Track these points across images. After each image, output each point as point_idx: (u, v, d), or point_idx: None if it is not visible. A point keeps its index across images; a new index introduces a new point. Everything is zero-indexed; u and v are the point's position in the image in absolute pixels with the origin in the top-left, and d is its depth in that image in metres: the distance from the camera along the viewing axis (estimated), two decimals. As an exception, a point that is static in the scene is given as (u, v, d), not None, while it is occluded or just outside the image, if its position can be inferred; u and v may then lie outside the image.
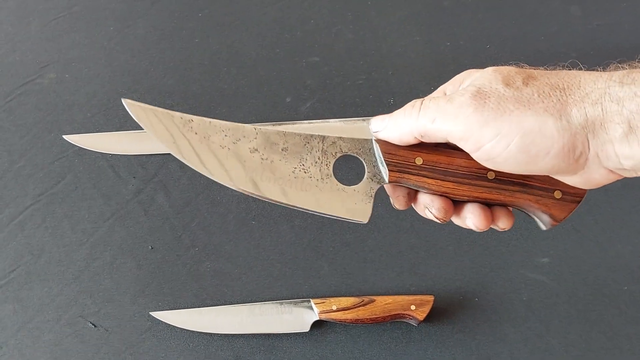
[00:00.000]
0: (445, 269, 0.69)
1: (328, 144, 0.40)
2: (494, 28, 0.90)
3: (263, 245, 0.71)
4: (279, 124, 0.79)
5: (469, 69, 0.39)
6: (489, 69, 0.36)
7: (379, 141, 0.39)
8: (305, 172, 0.40)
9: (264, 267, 0.70)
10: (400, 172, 0.39)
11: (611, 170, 0.35)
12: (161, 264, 0.70)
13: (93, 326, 0.67)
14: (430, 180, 0.39)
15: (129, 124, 0.80)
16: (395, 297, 0.65)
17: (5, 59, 0.87)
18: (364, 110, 0.81)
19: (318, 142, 0.40)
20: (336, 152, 0.40)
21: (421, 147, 0.39)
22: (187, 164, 0.39)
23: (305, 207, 0.40)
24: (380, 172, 0.40)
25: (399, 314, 0.64)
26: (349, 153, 0.40)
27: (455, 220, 0.41)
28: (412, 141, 0.38)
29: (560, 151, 0.34)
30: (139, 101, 0.90)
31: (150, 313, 0.67)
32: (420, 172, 0.39)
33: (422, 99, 0.38)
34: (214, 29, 0.90)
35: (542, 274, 0.69)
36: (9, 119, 0.81)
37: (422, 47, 0.87)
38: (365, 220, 0.40)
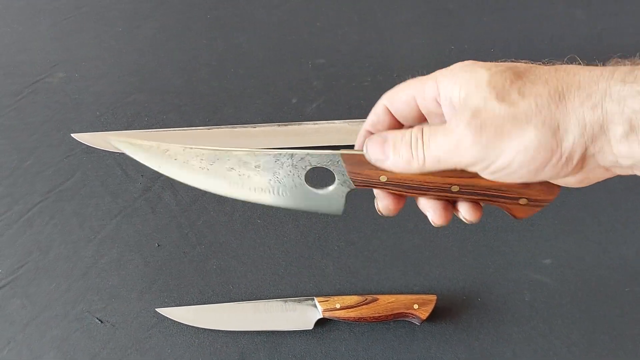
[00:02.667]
0: (448, 269, 0.70)
1: (297, 159, 0.42)
2: (499, 31, 0.90)
3: (268, 244, 0.72)
4: (285, 125, 0.80)
5: None
6: (483, 75, 0.35)
7: (344, 157, 0.41)
8: (279, 182, 0.42)
9: (269, 265, 0.71)
10: (366, 186, 0.41)
11: (607, 169, 0.35)
12: (168, 261, 0.71)
13: (100, 322, 0.68)
14: (394, 190, 0.41)
15: (136, 123, 0.81)
16: (398, 296, 0.66)
17: (15, 58, 0.88)
18: (369, 112, 0.82)
19: (287, 159, 0.42)
20: (306, 166, 0.42)
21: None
22: (183, 182, 0.43)
23: (284, 206, 0.43)
24: (348, 180, 0.42)
25: (401, 312, 0.65)
26: (317, 165, 0.42)
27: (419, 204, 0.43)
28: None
29: (559, 161, 0.34)
30: (147, 101, 0.91)
31: (156, 309, 0.68)
32: (385, 186, 0.41)
33: (418, 131, 0.37)
34: (221, 30, 0.91)
35: (544, 274, 0.69)
36: (18, 117, 0.82)
37: (427, 49, 0.88)
38: (339, 213, 0.43)
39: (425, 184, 0.39)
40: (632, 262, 0.70)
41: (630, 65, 0.34)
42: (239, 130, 0.79)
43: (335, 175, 0.42)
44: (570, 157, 0.34)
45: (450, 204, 0.41)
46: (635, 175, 0.36)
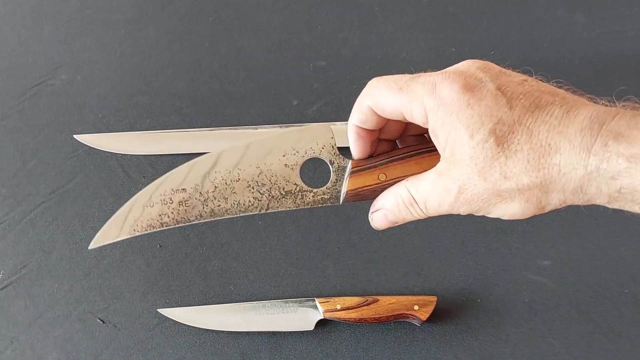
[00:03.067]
0: (448, 270, 0.70)
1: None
2: (499, 34, 0.91)
3: (269, 245, 0.73)
4: (286, 126, 0.80)
5: None
6: (467, 152, 0.35)
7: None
8: (273, 179, 0.42)
9: (270, 266, 0.71)
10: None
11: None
12: (169, 262, 0.72)
13: (102, 322, 0.68)
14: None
15: (139, 125, 0.82)
16: (399, 297, 0.66)
17: (19, 60, 0.88)
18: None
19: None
20: (303, 156, 0.43)
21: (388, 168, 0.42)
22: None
23: (280, 208, 0.42)
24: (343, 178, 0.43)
25: (402, 313, 0.65)
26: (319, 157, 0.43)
27: None
28: None
29: (534, 213, 0.37)
30: (149, 103, 0.91)
31: (158, 310, 0.68)
32: (383, 185, 0.42)
33: (416, 203, 0.40)
34: (223, 33, 0.91)
35: (544, 276, 0.70)
36: (21, 119, 0.83)
37: (428, 52, 0.89)
38: (339, 202, 0.42)
39: None
40: (631, 263, 0.70)
41: (631, 110, 0.34)
42: (240, 132, 0.80)
43: (332, 172, 0.43)
44: (544, 209, 0.36)
45: None
46: None
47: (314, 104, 0.84)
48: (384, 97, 0.39)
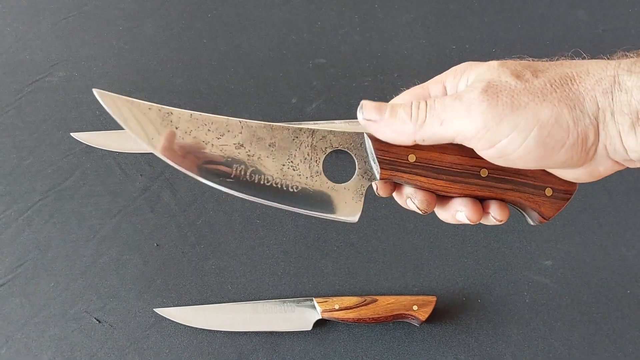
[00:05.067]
0: (448, 270, 0.70)
1: (318, 138, 0.37)
2: (500, 32, 0.90)
3: (267, 244, 0.72)
4: (287, 124, 0.80)
5: None
6: (494, 63, 0.35)
7: (371, 136, 0.37)
8: (294, 170, 0.37)
9: (268, 266, 0.71)
10: (392, 170, 0.37)
11: (617, 162, 0.34)
12: (166, 261, 0.71)
13: (98, 321, 0.67)
14: (422, 178, 0.38)
15: (136, 123, 0.81)
16: (398, 297, 0.66)
17: (16, 57, 0.88)
18: (370, 112, 0.82)
19: (307, 137, 0.37)
20: (326, 147, 0.37)
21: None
22: (171, 164, 0.36)
23: (295, 208, 0.37)
24: (371, 168, 0.38)
25: (401, 314, 0.65)
26: (339, 148, 0.38)
27: (442, 214, 0.40)
28: (408, 145, 0.37)
29: (575, 142, 0.33)
30: (147, 100, 0.91)
31: (154, 309, 0.67)
32: (413, 170, 0.37)
33: (426, 100, 0.36)
34: (222, 30, 0.91)
35: (545, 276, 0.69)
36: (18, 116, 0.82)
37: (428, 49, 0.88)
38: (355, 219, 0.38)
39: (455, 165, 0.37)
40: (633, 264, 0.69)
41: (636, 57, 0.34)
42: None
43: (356, 163, 0.38)
44: (585, 140, 0.33)
45: (478, 201, 0.39)
46: (636, 177, 0.35)
47: (313, 101, 0.83)
48: (402, 96, 0.39)
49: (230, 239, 0.72)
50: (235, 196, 0.37)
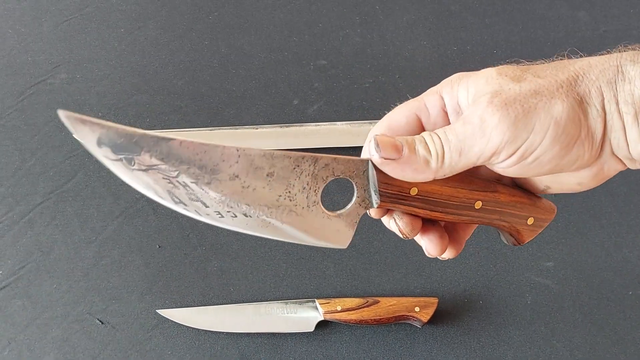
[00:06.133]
0: (450, 271, 0.70)
1: (320, 166, 0.34)
2: (501, 33, 0.90)
3: (269, 245, 0.72)
4: (286, 126, 0.80)
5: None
6: (491, 72, 0.34)
7: (375, 166, 0.35)
8: (290, 200, 0.34)
9: (270, 267, 0.71)
10: (391, 202, 0.36)
11: (619, 160, 0.34)
12: (168, 263, 0.71)
13: (100, 323, 0.68)
14: (419, 210, 0.36)
15: (138, 124, 0.81)
16: (400, 298, 0.66)
17: (18, 58, 0.88)
18: (371, 114, 0.82)
19: (309, 165, 0.34)
20: (327, 176, 0.35)
21: None
22: (154, 198, 0.33)
23: (284, 238, 0.35)
24: (370, 197, 0.36)
25: (403, 315, 0.65)
26: (341, 176, 0.35)
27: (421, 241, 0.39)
28: (428, 180, 0.35)
29: (586, 137, 0.32)
30: (149, 102, 0.91)
31: (157, 311, 0.67)
32: (412, 202, 0.36)
33: (436, 132, 0.34)
34: (224, 32, 0.91)
35: (547, 277, 0.69)
36: (20, 118, 0.82)
37: (429, 51, 0.88)
38: (344, 246, 0.36)
39: (452, 198, 0.36)
40: (635, 265, 0.70)
41: (638, 49, 0.34)
42: (240, 131, 0.79)
43: (356, 191, 0.36)
44: (593, 134, 0.32)
45: (446, 238, 0.38)
46: (638, 178, 0.35)
47: (314, 103, 0.83)
48: (397, 110, 0.38)
49: (232, 240, 0.72)
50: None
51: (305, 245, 0.73)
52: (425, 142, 0.34)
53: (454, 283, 0.69)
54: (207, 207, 0.34)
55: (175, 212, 0.76)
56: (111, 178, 0.77)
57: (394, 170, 0.34)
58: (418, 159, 0.33)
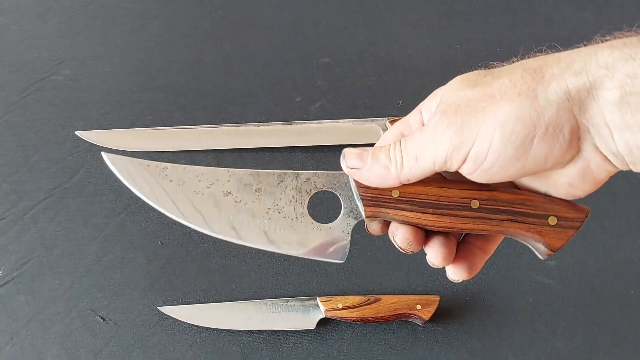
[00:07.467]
0: (451, 270, 0.70)
1: (302, 180, 0.38)
2: (505, 32, 0.90)
3: (271, 243, 0.72)
4: (289, 124, 0.80)
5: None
6: (457, 79, 0.35)
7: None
8: (279, 212, 0.38)
9: (272, 265, 0.71)
10: (376, 207, 0.37)
11: (606, 158, 0.32)
12: (171, 260, 0.71)
13: (102, 319, 0.68)
14: (408, 213, 0.36)
15: (141, 122, 0.82)
16: (401, 296, 0.66)
17: (22, 55, 0.88)
18: (374, 112, 0.82)
19: (292, 180, 0.38)
20: (311, 189, 0.38)
21: None
22: (166, 214, 0.39)
23: (280, 250, 0.38)
24: (357, 207, 0.38)
25: (404, 313, 0.65)
26: (323, 189, 0.38)
27: (429, 254, 0.38)
28: (395, 187, 0.36)
29: (545, 133, 0.31)
30: (152, 99, 0.91)
31: (158, 308, 0.68)
32: (397, 205, 0.36)
33: (399, 141, 0.36)
34: (228, 30, 0.91)
35: (549, 277, 0.69)
36: (24, 114, 0.82)
37: (433, 50, 0.88)
38: (342, 260, 0.38)
39: (442, 198, 0.36)
40: (637, 265, 0.69)
41: (613, 39, 0.32)
42: (243, 129, 0.79)
43: (342, 202, 0.38)
44: (559, 128, 0.31)
45: (454, 247, 0.38)
46: (639, 179, 0.34)
47: (317, 101, 0.83)
48: (386, 134, 0.40)
49: (234, 237, 0.72)
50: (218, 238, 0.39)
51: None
52: (388, 151, 0.36)
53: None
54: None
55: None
56: (113, 175, 0.77)
57: (360, 178, 0.37)
58: (379, 167, 0.36)
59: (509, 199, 0.36)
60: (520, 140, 0.31)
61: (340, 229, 0.38)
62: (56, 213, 0.75)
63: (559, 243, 0.37)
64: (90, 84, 0.85)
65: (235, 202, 0.38)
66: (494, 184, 0.36)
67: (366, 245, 0.72)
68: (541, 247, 0.37)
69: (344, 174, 0.38)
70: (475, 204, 0.36)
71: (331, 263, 0.71)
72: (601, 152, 0.32)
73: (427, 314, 0.64)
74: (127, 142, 0.79)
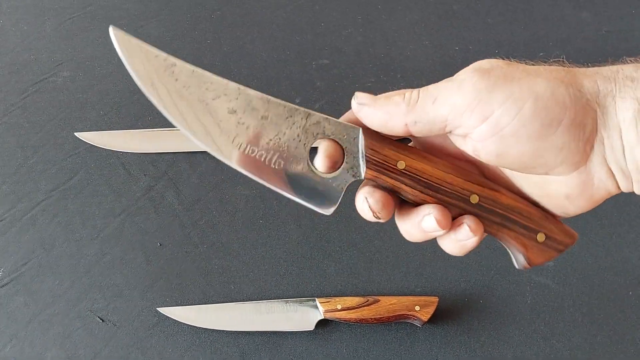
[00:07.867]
0: (450, 270, 0.70)
1: (312, 122, 0.36)
2: (504, 33, 0.90)
3: (270, 244, 0.72)
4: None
5: None
6: (481, 62, 0.33)
7: (365, 133, 0.36)
8: (280, 147, 0.36)
9: (271, 266, 0.71)
10: (378, 172, 0.36)
11: (612, 174, 0.32)
12: (170, 261, 0.71)
13: (101, 320, 0.68)
14: (407, 188, 0.35)
15: (140, 123, 0.82)
16: (400, 297, 0.66)
17: (21, 57, 0.88)
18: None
19: (302, 118, 0.36)
20: (317, 133, 0.36)
21: (408, 150, 0.36)
22: (164, 114, 0.36)
23: (271, 184, 0.36)
24: (358, 166, 0.36)
25: (403, 314, 0.65)
26: (331, 137, 0.36)
27: (405, 224, 0.36)
28: (399, 131, 0.34)
29: (572, 123, 0.31)
30: (150, 101, 0.91)
31: (157, 309, 0.68)
32: (399, 177, 0.35)
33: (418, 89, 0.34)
34: (226, 30, 0.91)
35: (547, 277, 0.69)
36: (23, 115, 0.83)
37: (431, 51, 0.88)
38: (329, 212, 0.36)
39: (445, 184, 0.35)
40: (635, 265, 0.69)
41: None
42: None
43: (345, 157, 0.36)
44: (583, 124, 0.31)
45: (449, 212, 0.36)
46: None
47: (316, 102, 0.83)
48: None
49: (233, 238, 0.73)
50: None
51: (306, 245, 0.74)
52: (404, 93, 0.34)
53: (454, 282, 0.69)
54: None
55: (177, 211, 0.76)
56: (112, 176, 0.77)
57: (367, 115, 0.35)
58: (390, 103, 0.34)
59: (509, 204, 0.36)
60: (549, 120, 0.31)
61: (336, 182, 0.36)
62: (55, 214, 0.75)
63: (539, 260, 0.37)
64: (89, 85, 0.85)
65: (238, 123, 0.36)
66: (500, 186, 0.36)
67: (365, 247, 0.72)
68: (520, 258, 0.37)
69: (356, 128, 0.36)
70: (474, 198, 0.35)
71: (330, 263, 0.71)
72: (608, 167, 0.32)
73: (426, 315, 0.64)
74: (126, 143, 0.80)
